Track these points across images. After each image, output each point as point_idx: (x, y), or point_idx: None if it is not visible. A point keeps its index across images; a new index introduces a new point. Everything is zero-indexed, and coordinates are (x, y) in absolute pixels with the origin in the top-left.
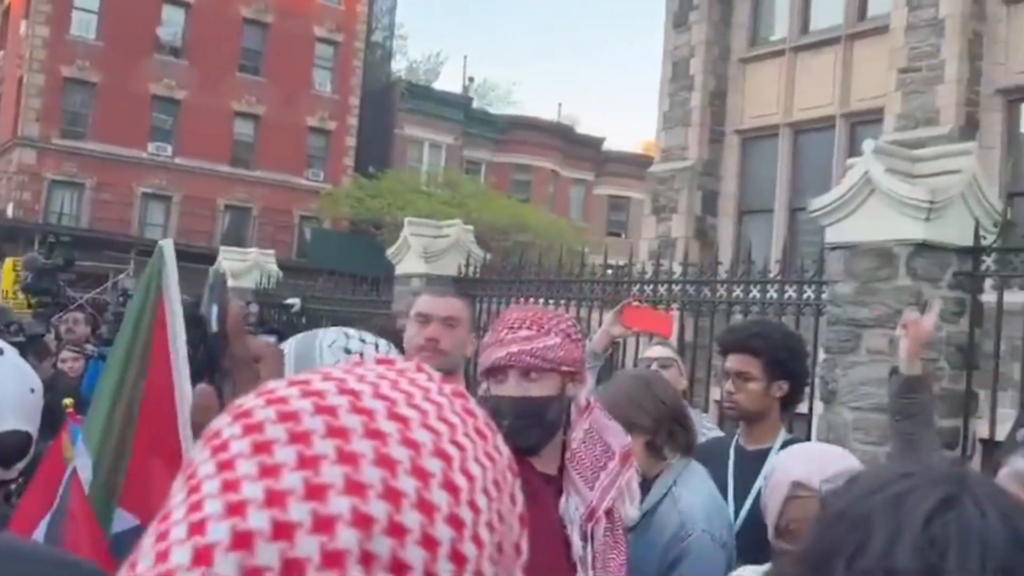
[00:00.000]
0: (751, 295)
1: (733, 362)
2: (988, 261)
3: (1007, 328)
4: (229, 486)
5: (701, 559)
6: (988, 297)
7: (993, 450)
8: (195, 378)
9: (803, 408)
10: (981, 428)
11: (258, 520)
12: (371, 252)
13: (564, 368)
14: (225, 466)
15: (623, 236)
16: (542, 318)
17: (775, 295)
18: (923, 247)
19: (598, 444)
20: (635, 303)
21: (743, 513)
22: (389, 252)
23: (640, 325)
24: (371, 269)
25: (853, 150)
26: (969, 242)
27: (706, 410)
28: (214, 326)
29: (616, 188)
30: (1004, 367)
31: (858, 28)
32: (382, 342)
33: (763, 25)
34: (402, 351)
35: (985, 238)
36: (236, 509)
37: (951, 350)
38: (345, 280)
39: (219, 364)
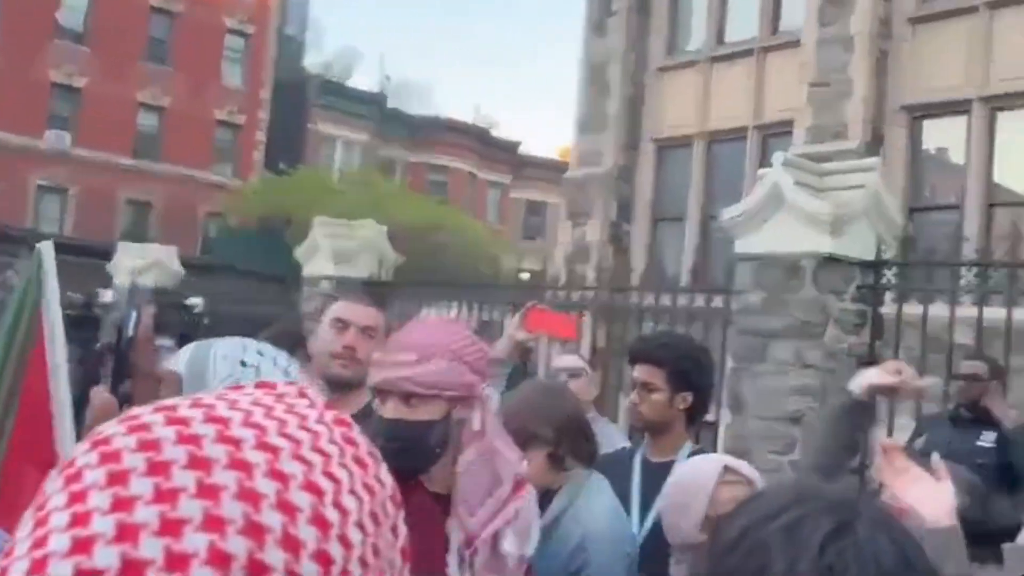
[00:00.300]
0: (662, 303)
1: (638, 372)
2: (889, 275)
3: (905, 339)
4: (78, 520)
5: (602, 571)
6: (888, 309)
7: None
8: (86, 381)
9: (711, 416)
10: (882, 436)
11: (105, 558)
12: (279, 251)
13: (448, 393)
14: (76, 498)
15: (540, 240)
16: (429, 341)
17: (685, 303)
18: (828, 260)
19: (487, 470)
20: (539, 306)
21: (647, 525)
22: (297, 252)
23: (544, 329)
24: (279, 269)
25: (765, 161)
26: (871, 256)
27: (617, 418)
28: (130, 331)
29: (533, 192)
30: None
31: (771, 41)
32: (281, 355)
33: (680, 35)
34: (306, 356)
35: (886, 252)
36: (83, 545)
37: (852, 361)
38: (251, 280)
39: (126, 373)
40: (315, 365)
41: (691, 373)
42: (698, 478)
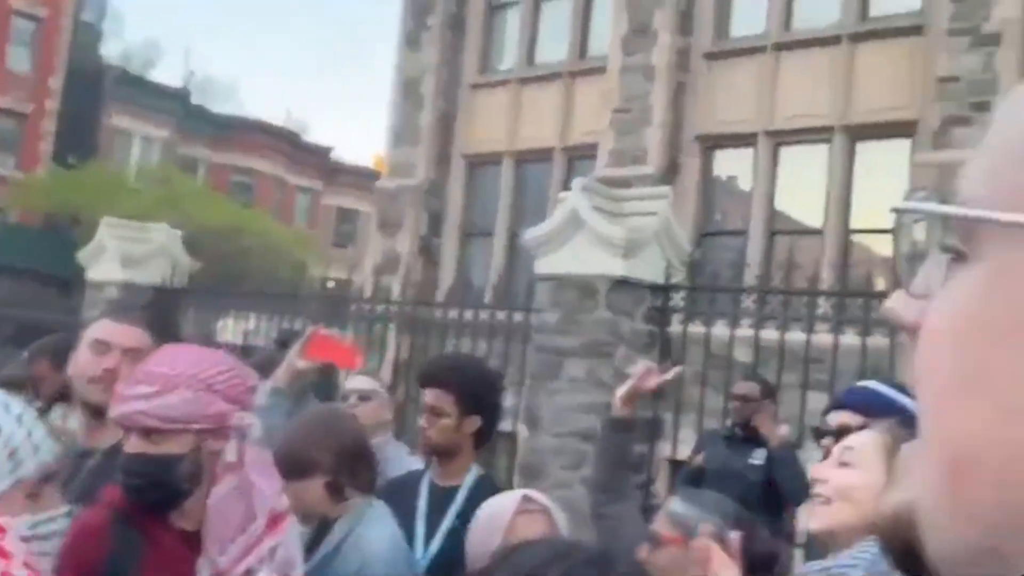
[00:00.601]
0: (466, 318)
1: (428, 396)
2: (676, 298)
3: (691, 358)
4: None
5: None
6: (676, 330)
7: (676, 468)
8: None
9: (509, 428)
10: (667, 449)
11: None
12: (65, 252)
13: (196, 426)
14: None
15: (352, 248)
16: (174, 371)
17: (488, 319)
18: (621, 283)
19: (242, 504)
20: (322, 333)
21: (432, 549)
22: (81, 254)
23: (325, 356)
24: (63, 271)
25: (571, 182)
26: (661, 280)
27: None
28: None
29: (346, 199)
30: (687, 393)
31: (579, 66)
32: (15, 402)
33: (493, 54)
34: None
35: (674, 276)
36: None
37: None
38: (31, 282)
39: None
40: (74, 389)
41: (480, 397)
42: (498, 509)
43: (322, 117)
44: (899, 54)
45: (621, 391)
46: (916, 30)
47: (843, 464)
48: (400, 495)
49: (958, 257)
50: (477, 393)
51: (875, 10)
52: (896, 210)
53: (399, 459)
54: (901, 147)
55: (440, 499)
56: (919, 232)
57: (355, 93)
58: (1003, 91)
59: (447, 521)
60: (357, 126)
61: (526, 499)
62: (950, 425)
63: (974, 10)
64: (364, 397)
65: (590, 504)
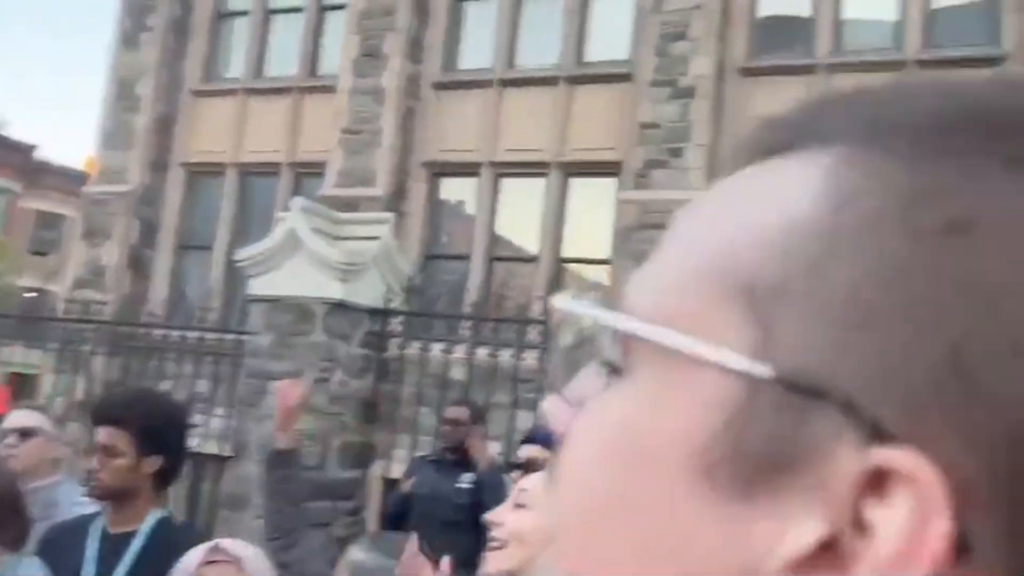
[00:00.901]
0: (176, 338)
1: (101, 435)
2: (395, 323)
3: (409, 380)
4: None
5: None
6: (393, 352)
7: (390, 487)
8: None
9: (217, 450)
10: (384, 468)
11: None
12: None
13: None
14: None
15: (55, 256)
16: None
17: (196, 340)
18: (339, 306)
19: None
20: None
21: None
22: None
23: None
24: None
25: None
26: (380, 303)
27: None
28: None
29: (48, 203)
30: (405, 413)
31: (309, 83)
32: None
33: (220, 61)
34: None
35: (393, 301)
36: None
37: (357, 403)
38: None
39: None
40: None
41: (161, 434)
42: (185, 562)
43: (29, 114)
44: (610, 99)
45: (276, 421)
46: (625, 78)
47: (518, 506)
48: (66, 543)
49: (615, 370)
50: (157, 430)
51: (590, 56)
52: (557, 309)
53: (71, 503)
54: (609, 185)
55: (113, 547)
56: (584, 329)
57: (68, 91)
58: (695, 139)
59: (120, 571)
60: (69, 126)
61: (214, 550)
62: (584, 555)
63: (673, 65)
64: (26, 434)
65: (268, 551)
